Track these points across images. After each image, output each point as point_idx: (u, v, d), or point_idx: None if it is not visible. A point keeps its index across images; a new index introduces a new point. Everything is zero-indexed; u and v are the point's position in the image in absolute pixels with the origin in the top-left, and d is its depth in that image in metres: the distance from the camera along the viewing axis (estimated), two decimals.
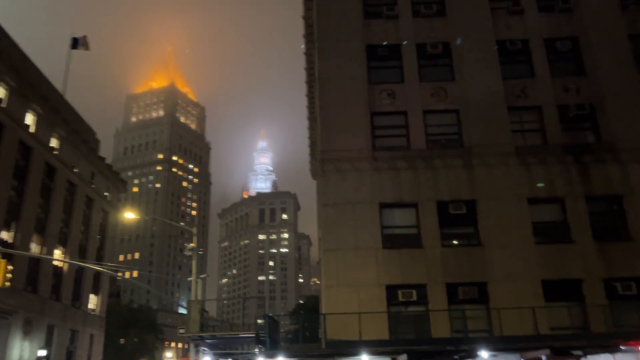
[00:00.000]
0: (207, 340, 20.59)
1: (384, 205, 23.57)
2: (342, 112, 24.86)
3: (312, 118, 41.56)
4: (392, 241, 23.11)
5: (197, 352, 21.29)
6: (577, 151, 24.44)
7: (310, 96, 39.67)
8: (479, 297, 21.88)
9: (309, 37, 33.88)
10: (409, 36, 26.50)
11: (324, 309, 22.77)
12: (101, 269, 35.63)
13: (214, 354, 21.53)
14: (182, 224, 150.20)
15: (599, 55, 26.03)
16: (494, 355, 19.69)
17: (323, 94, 25.70)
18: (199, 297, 23.13)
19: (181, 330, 23.23)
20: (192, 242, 25.21)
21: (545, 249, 22.75)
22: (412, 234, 23.31)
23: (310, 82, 38.73)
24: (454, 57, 26.22)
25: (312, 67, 35.25)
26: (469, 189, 23.67)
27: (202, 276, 24.79)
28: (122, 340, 69.74)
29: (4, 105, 41.01)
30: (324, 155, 24.37)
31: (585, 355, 19.72)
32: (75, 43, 57.05)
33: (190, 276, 25.55)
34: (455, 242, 23.33)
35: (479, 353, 18.98)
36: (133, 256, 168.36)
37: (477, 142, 24.42)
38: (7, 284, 16.69)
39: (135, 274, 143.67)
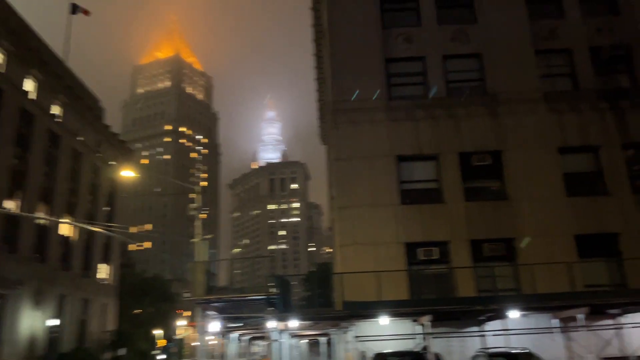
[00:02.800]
0: (215, 304, 19.34)
1: (401, 159, 21.98)
2: (355, 60, 23.02)
3: (320, 79, 39.44)
4: (411, 196, 21.61)
5: (204, 316, 20.18)
6: (612, 96, 22.55)
7: (319, 55, 37.50)
8: (506, 254, 20.46)
9: None
10: None
11: (339, 270, 21.37)
12: (105, 230, 34.54)
13: (223, 319, 20.35)
14: (192, 196, 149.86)
15: None
16: (524, 316, 18.25)
17: (334, 40, 23.78)
18: (204, 259, 21.85)
19: (186, 294, 22.06)
20: (202, 206, 23.71)
21: (578, 202, 21.12)
22: (432, 188, 21.78)
23: (317, 40, 36.54)
24: None
25: (319, 24, 33.11)
26: (494, 139, 21.99)
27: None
28: (137, 310, 69.60)
29: (2, 70, 39.50)
30: (336, 106, 22.64)
31: (623, 313, 18.26)
32: (74, 9, 55.49)
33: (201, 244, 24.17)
34: (479, 196, 21.63)
35: (508, 313, 17.55)
36: (144, 228, 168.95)
37: (503, 89, 22.58)
38: None
39: (148, 244, 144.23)
